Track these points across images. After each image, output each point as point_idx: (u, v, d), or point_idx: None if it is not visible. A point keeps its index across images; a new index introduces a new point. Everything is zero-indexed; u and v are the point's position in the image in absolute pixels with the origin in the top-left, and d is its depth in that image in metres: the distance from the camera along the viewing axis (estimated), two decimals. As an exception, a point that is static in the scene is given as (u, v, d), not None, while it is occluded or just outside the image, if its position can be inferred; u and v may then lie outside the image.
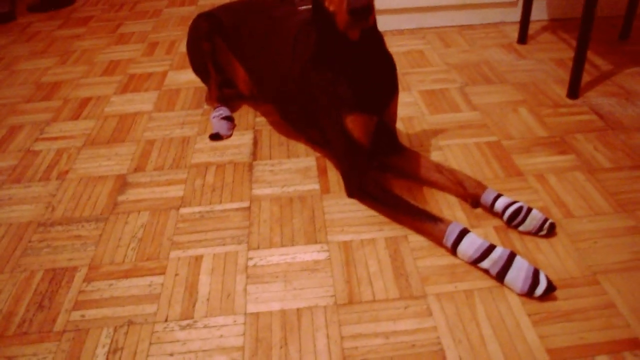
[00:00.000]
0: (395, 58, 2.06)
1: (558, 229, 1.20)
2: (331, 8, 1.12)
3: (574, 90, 1.74)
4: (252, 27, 1.58)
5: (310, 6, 1.30)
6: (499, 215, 1.22)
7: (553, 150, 1.48)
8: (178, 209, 1.36)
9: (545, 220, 1.17)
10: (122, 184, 1.47)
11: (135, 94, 1.96)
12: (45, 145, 1.69)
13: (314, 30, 1.28)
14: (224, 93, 1.79)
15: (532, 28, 2.27)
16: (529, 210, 1.19)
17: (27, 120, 1.84)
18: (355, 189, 1.30)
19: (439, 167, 1.33)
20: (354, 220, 1.27)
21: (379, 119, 1.29)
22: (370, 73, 1.26)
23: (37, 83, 2.11)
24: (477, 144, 1.52)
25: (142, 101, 1.90)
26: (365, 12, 1.04)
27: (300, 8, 1.60)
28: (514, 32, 2.25)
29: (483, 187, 1.26)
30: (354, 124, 1.24)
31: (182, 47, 2.33)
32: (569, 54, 2.04)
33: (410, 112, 1.70)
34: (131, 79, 2.08)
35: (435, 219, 1.16)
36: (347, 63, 1.23)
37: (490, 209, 1.24)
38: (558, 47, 2.11)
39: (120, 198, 1.41)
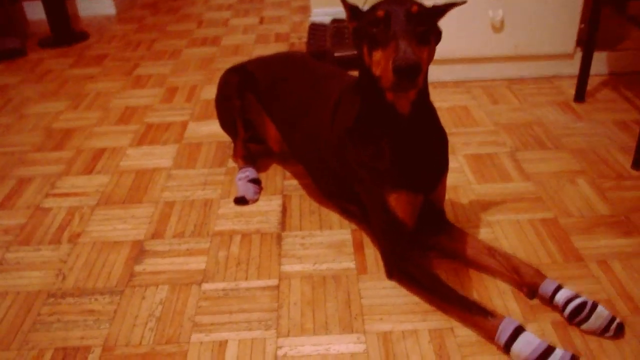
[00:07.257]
0: (438, 114, 2.12)
1: (626, 329, 1.20)
2: (377, 72, 1.16)
3: (640, 160, 1.76)
4: (290, 85, 1.65)
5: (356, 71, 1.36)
6: (559, 309, 1.23)
7: (617, 232, 1.49)
8: (200, 284, 1.39)
9: (613, 319, 1.18)
10: (138, 251, 1.51)
11: (153, 146, 2.03)
12: (56, 202, 1.75)
13: (358, 96, 1.33)
14: (251, 150, 1.85)
15: (590, 83, 2.30)
16: (594, 306, 1.19)
17: (37, 172, 1.92)
18: (396, 270, 1.33)
19: (491, 251, 1.35)
20: (394, 307, 1.29)
21: (425, 198, 1.33)
22: (419, 149, 1.30)
23: (48, 129, 2.21)
24: (531, 221, 1.54)
25: (160, 155, 1.97)
26: (412, 72, 1.05)
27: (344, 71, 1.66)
28: (570, 88, 2.29)
29: (542, 277, 1.27)
30: (398, 203, 1.28)
31: (204, 94, 2.42)
32: (633, 115, 2.07)
33: (456, 180, 1.74)
34: (149, 128, 2.16)
35: (486, 312, 1.17)
36: (394, 137, 1.28)
37: (549, 302, 1.25)
38: (620, 107, 2.14)
39: (137, 268, 1.46)
